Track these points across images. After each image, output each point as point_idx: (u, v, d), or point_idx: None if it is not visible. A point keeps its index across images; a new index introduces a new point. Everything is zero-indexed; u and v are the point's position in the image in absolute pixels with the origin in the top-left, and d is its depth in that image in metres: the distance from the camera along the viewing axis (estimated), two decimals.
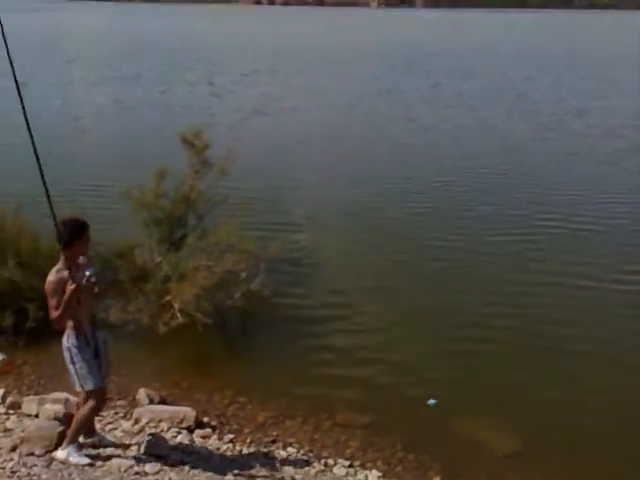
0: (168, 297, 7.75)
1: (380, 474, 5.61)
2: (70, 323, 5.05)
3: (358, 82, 30.95)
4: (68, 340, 5.09)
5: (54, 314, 4.94)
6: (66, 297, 4.87)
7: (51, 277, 4.96)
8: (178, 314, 7.57)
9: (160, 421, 6.09)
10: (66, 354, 5.13)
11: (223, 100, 25.20)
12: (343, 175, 14.86)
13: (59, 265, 4.98)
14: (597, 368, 7.31)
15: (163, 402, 6.54)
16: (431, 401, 6.66)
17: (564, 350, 7.66)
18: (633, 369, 7.32)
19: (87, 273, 4.94)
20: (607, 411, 6.45)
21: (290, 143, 18.10)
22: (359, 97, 26.29)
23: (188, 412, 6.22)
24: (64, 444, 5.28)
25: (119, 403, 6.49)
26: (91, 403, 5.22)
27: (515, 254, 10.40)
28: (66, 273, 4.89)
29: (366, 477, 5.54)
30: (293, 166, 15.78)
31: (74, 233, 4.99)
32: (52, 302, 4.92)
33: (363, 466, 5.76)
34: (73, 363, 5.11)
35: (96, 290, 5.13)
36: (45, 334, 6.80)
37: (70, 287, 4.85)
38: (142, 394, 6.56)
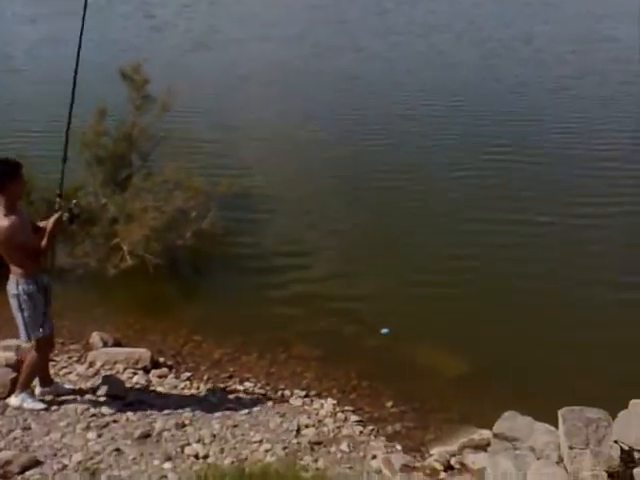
0: (116, 239, 7.62)
1: (335, 402, 5.79)
2: (18, 269, 4.84)
3: (303, 10, 30.07)
4: (17, 287, 4.86)
5: (28, 256, 4.75)
6: (51, 228, 4.80)
7: (7, 222, 4.66)
8: (127, 256, 7.48)
9: (115, 363, 6.08)
10: (13, 301, 4.91)
11: (164, 34, 24.18)
12: (293, 110, 14.56)
13: (1, 211, 4.70)
14: (554, 304, 7.35)
15: (117, 344, 6.53)
16: (384, 330, 6.82)
17: (522, 286, 7.71)
18: (590, 307, 7.34)
19: (73, 202, 4.92)
20: (559, 344, 6.59)
21: (237, 78, 17.59)
22: (305, 27, 25.60)
23: (143, 353, 6.22)
24: (17, 391, 5.23)
25: (72, 347, 6.45)
26: (39, 350, 5.12)
27: (470, 189, 10.39)
28: (14, 218, 4.68)
29: (322, 405, 5.71)
30: (241, 102, 15.37)
31: (5, 175, 4.68)
32: (16, 247, 4.72)
33: (319, 395, 5.93)
34: (21, 311, 4.90)
35: (74, 226, 5.03)
36: None
37: (55, 217, 4.79)
38: (95, 337, 6.51)
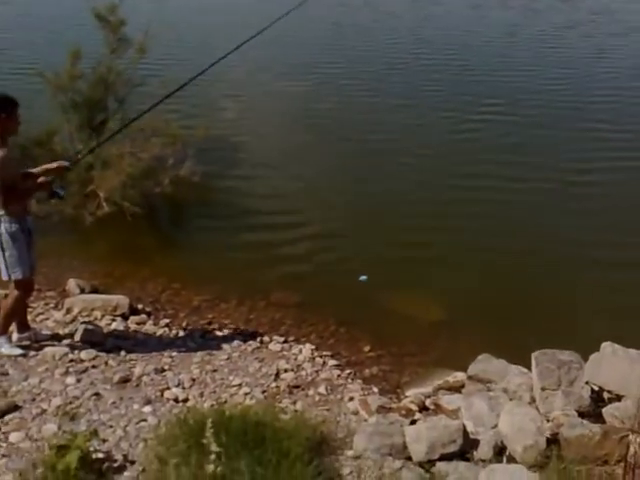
0: (92, 186, 7.50)
1: (313, 347, 5.84)
2: (1, 209, 4.81)
3: None
4: (0, 226, 4.84)
5: (9, 193, 4.75)
6: (37, 185, 5.00)
7: None
8: (104, 203, 7.39)
9: (93, 310, 6.05)
10: None
11: None
12: (276, 60, 14.14)
13: None
14: (530, 252, 7.37)
15: (95, 291, 6.49)
16: (362, 277, 6.85)
17: (502, 238, 7.71)
18: (566, 257, 7.32)
19: (62, 185, 5.18)
20: (533, 290, 6.66)
21: (216, 24, 17.12)
22: None
23: (121, 299, 6.19)
24: None
25: (49, 294, 6.40)
26: (18, 292, 5.10)
27: (459, 144, 10.16)
28: (1, 152, 4.67)
29: (300, 350, 5.76)
30: (220, 49, 14.89)
31: (1, 108, 4.70)
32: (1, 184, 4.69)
33: (297, 341, 5.98)
34: (2, 250, 4.90)
35: (50, 201, 5.40)
36: None
37: (46, 180, 4.98)
38: (72, 284, 6.47)
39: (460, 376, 5.22)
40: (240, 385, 5.12)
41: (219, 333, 6.03)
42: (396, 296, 6.57)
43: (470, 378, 5.10)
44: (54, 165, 5.13)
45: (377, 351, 5.86)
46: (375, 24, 17.65)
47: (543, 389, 4.52)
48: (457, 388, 5.13)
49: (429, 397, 5.03)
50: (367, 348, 5.90)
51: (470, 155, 9.84)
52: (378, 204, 8.50)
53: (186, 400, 4.86)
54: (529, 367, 4.86)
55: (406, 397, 5.13)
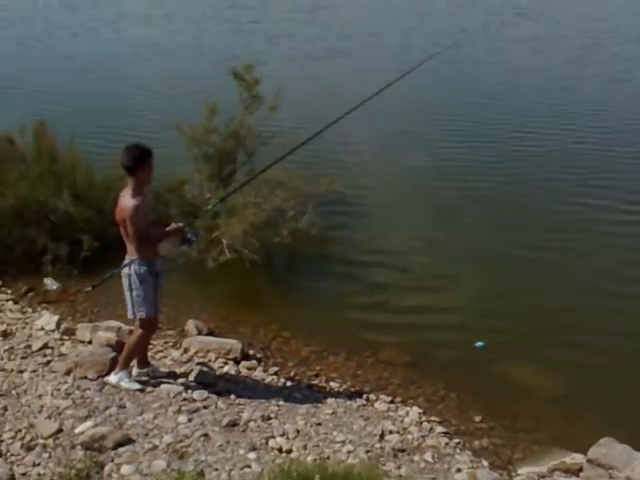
0: (217, 233, 7.85)
1: (421, 411, 5.68)
2: (133, 251, 5.11)
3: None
4: (130, 267, 5.12)
5: (142, 239, 5.02)
6: (170, 230, 5.27)
7: (133, 202, 4.96)
8: (226, 250, 7.69)
9: (208, 351, 6.26)
10: (125, 280, 5.20)
11: (275, 42, 24.43)
12: (400, 123, 13.97)
13: (129, 191, 5.03)
14: None
15: (211, 334, 6.72)
16: (479, 343, 6.62)
17: (621, 297, 7.39)
18: None
19: (197, 230, 5.56)
20: None
21: (342, 86, 17.51)
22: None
23: (235, 344, 6.36)
24: (116, 369, 5.48)
25: (169, 333, 6.69)
26: (142, 331, 5.37)
27: (599, 238, 9.04)
28: (140, 199, 4.98)
29: (407, 413, 5.61)
30: (346, 107, 15.20)
31: (138, 159, 4.99)
32: (134, 227, 4.97)
33: (404, 402, 5.84)
34: (130, 290, 5.19)
35: (182, 247, 5.72)
36: (98, 264, 6.99)
37: (180, 225, 5.30)
38: (191, 325, 6.73)
39: (578, 458, 4.86)
40: (344, 442, 5.05)
41: (325, 386, 6.02)
42: (513, 366, 6.30)
43: (590, 462, 4.74)
44: (174, 226, 5.34)
45: (489, 422, 5.60)
46: (508, 94, 16.92)
47: None
48: (574, 471, 4.78)
49: (543, 477, 4.72)
50: (478, 418, 5.66)
51: (593, 210, 9.40)
52: (497, 266, 8.27)
53: (290, 451, 4.86)
54: None
55: (518, 475, 4.85)
